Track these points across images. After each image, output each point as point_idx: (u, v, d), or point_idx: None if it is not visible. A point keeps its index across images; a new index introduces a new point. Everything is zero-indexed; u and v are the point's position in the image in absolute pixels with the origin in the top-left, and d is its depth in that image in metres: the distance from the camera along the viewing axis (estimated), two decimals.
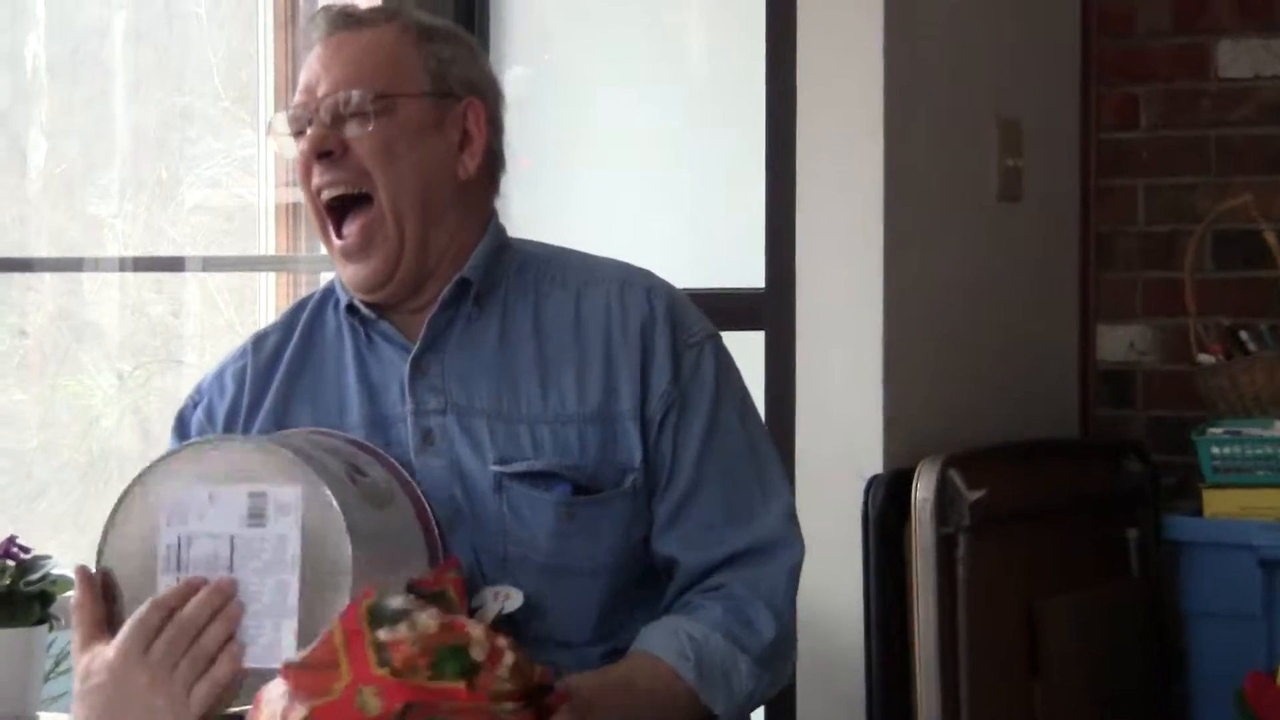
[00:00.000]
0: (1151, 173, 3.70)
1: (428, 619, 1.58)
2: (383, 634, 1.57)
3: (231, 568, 1.72)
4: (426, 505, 1.84)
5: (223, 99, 4.08)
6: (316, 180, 1.93)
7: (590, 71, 3.67)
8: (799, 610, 3.11)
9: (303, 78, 1.95)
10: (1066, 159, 3.71)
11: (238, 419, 1.98)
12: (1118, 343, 3.71)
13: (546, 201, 3.62)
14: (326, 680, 1.56)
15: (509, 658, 1.58)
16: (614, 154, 3.65)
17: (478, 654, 1.57)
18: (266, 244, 3.88)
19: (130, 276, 3.88)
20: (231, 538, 1.72)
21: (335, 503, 1.70)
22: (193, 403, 2.02)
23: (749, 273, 3.31)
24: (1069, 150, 3.71)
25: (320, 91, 1.92)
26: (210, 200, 4.07)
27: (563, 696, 1.64)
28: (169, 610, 1.72)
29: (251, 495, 1.71)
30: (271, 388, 1.99)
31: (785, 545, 1.96)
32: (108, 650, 1.73)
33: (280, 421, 1.96)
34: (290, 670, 1.58)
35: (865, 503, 3.09)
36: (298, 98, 1.95)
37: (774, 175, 3.27)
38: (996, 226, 3.49)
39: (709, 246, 3.52)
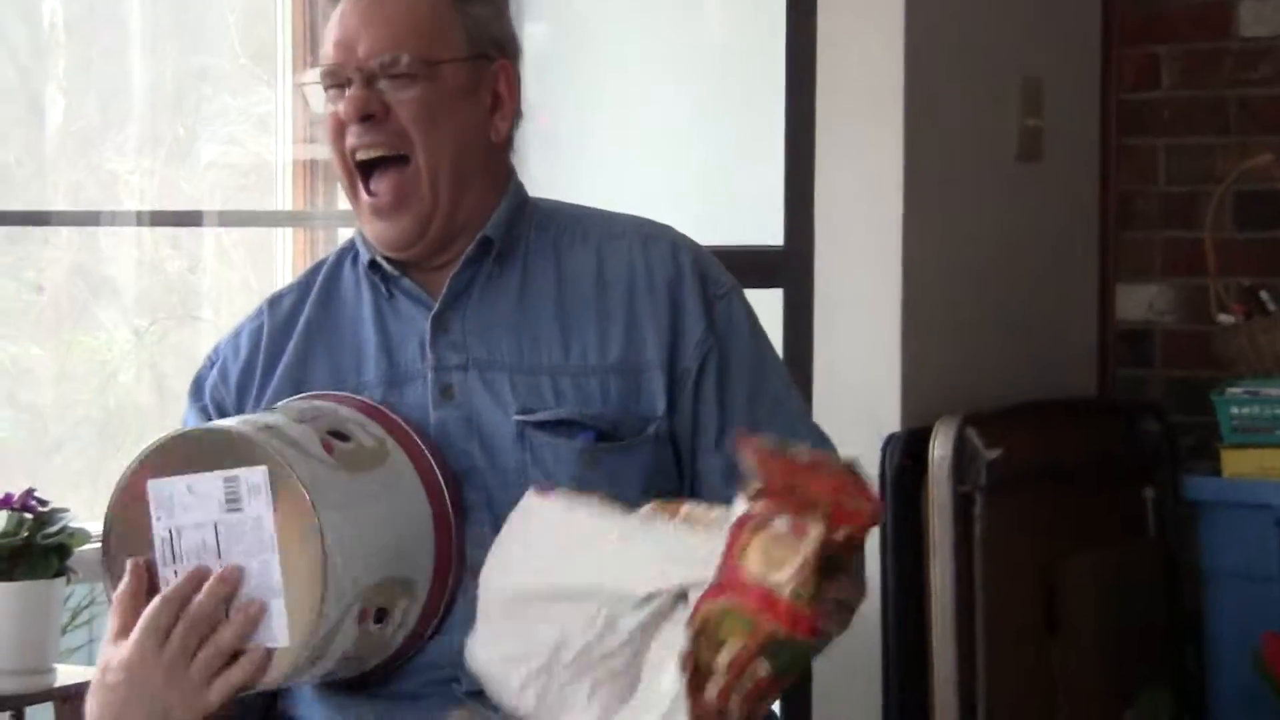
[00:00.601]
0: (1172, 132, 3.68)
1: (802, 447, 1.62)
2: (800, 456, 1.60)
3: (219, 554, 1.74)
4: (431, 459, 1.84)
5: (240, 56, 4.07)
6: (352, 140, 1.91)
7: (610, 28, 3.66)
8: None
9: (336, 31, 1.92)
10: (1087, 119, 3.69)
11: (252, 378, 1.98)
12: (1137, 302, 3.70)
13: (565, 158, 3.61)
14: (807, 498, 1.55)
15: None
16: (633, 111, 3.64)
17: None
18: (283, 201, 3.87)
19: (147, 233, 3.87)
20: (215, 524, 1.74)
21: (295, 475, 1.71)
22: (209, 363, 2.02)
23: (768, 230, 3.30)
24: (1089, 110, 3.70)
25: (361, 51, 1.90)
26: (227, 157, 4.06)
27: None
28: (179, 604, 1.73)
29: (225, 480, 1.73)
30: (289, 347, 1.98)
31: None
32: (124, 648, 1.75)
33: (298, 381, 1.96)
34: (764, 498, 1.56)
35: (882, 461, 3.09)
36: (333, 53, 1.92)
37: (793, 132, 3.26)
38: (1016, 186, 3.48)
39: (728, 204, 3.51)
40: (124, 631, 1.76)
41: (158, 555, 1.77)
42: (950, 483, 3.04)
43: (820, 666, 3.12)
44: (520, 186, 2.01)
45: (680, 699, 1.59)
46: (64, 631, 2.73)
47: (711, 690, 1.56)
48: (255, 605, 1.73)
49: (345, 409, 1.86)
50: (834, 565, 1.57)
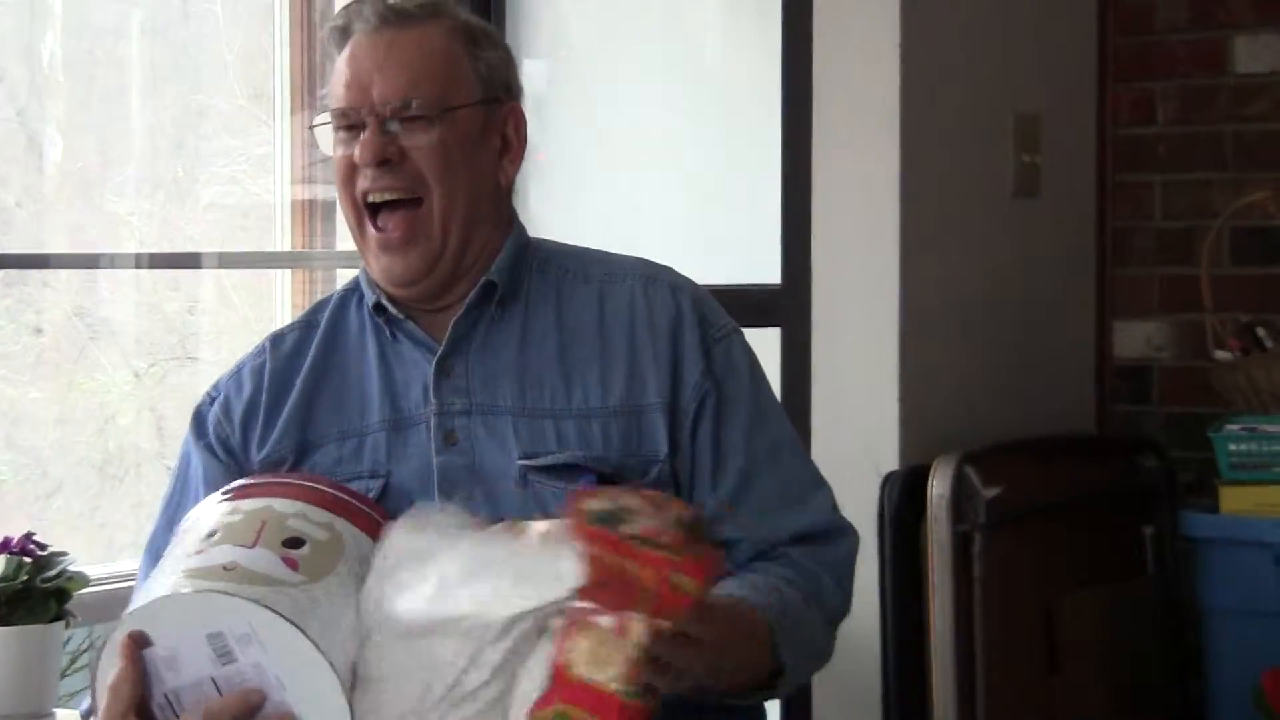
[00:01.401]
0: (1168, 168, 3.69)
1: (638, 502, 1.59)
2: (628, 530, 1.57)
3: None
4: (378, 518, 1.82)
5: (238, 97, 4.08)
6: (365, 184, 1.92)
7: (606, 67, 3.67)
8: None
9: (347, 71, 1.92)
10: (1083, 154, 3.70)
11: (256, 417, 1.98)
12: (1134, 339, 3.71)
13: (562, 196, 3.62)
14: (632, 587, 1.55)
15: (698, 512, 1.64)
16: (630, 150, 3.65)
17: (697, 520, 1.62)
18: (282, 241, 3.88)
19: (146, 274, 3.88)
20: (213, 679, 1.71)
21: (281, 615, 1.68)
22: (209, 399, 2.02)
23: (765, 269, 3.31)
24: (1086, 146, 3.71)
25: (376, 93, 1.90)
26: (226, 198, 4.07)
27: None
28: None
29: (210, 638, 1.69)
30: (294, 388, 1.99)
31: (842, 531, 1.99)
32: None
33: (303, 423, 1.96)
34: (587, 594, 1.56)
35: (881, 499, 3.09)
36: (345, 94, 1.92)
37: (790, 171, 3.27)
38: (1013, 222, 3.48)
39: (725, 242, 3.51)
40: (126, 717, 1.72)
41: (159, 718, 1.73)
42: (949, 521, 3.03)
43: (820, 704, 3.14)
44: (522, 229, 2.02)
45: None
46: (63, 675, 2.71)
47: None
48: None
49: (280, 503, 1.81)
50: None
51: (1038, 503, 3.19)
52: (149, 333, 4.00)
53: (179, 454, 2.03)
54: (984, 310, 3.40)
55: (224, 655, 1.69)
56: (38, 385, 3.80)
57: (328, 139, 1.95)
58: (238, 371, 2.03)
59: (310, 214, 3.89)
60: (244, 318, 4.08)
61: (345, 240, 3.84)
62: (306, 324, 2.04)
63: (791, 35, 3.26)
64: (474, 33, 1.97)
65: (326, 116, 1.95)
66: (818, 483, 2.00)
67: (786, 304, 3.26)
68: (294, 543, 1.75)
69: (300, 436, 1.96)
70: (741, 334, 2.02)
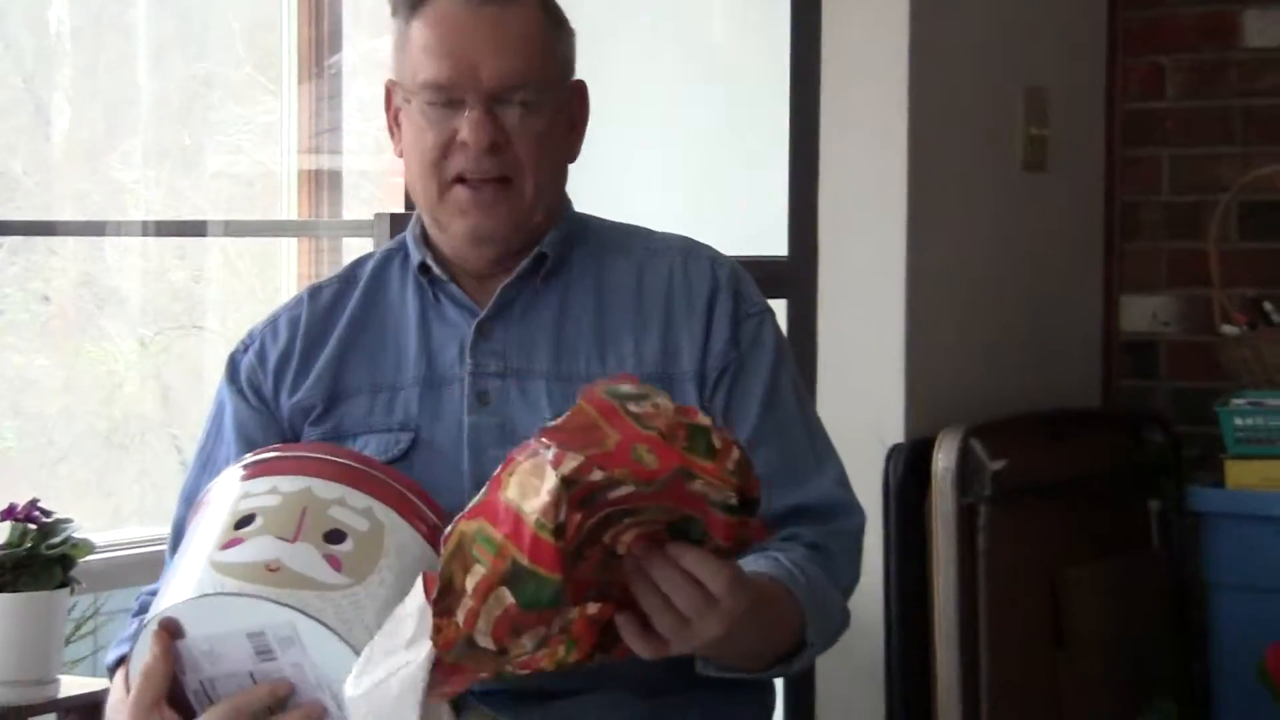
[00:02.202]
0: (1177, 142, 3.68)
1: (665, 400, 1.56)
2: (633, 406, 1.54)
3: None
4: (416, 501, 1.81)
5: (245, 66, 4.07)
6: (465, 165, 1.90)
7: (615, 42, 3.65)
8: None
9: (445, 43, 1.89)
10: (1091, 128, 3.69)
11: (289, 365, 1.99)
12: (1141, 313, 3.70)
13: (571, 170, 3.60)
14: (596, 436, 1.52)
15: (735, 453, 1.56)
16: (637, 122, 3.64)
17: (716, 440, 1.55)
18: (288, 211, 3.88)
19: (153, 243, 3.88)
20: (250, 674, 1.71)
21: (324, 622, 1.67)
22: (244, 346, 2.03)
23: (772, 241, 3.30)
24: (1094, 119, 3.70)
25: (486, 74, 1.88)
26: (232, 167, 4.07)
27: (762, 530, 1.62)
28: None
29: (251, 637, 1.69)
30: (330, 340, 1.99)
31: (849, 509, 1.97)
32: None
33: (336, 373, 1.97)
34: (549, 431, 1.53)
35: (886, 472, 3.09)
36: (445, 69, 1.89)
37: (798, 143, 3.26)
38: (1020, 196, 3.48)
39: (732, 215, 3.51)
40: (150, 706, 1.71)
41: (194, 700, 1.73)
42: (954, 494, 3.03)
43: (824, 680, 3.14)
44: (570, 203, 2.03)
45: (426, 614, 1.58)
46: (67, 642, 2.73)
47: (460, 613, 1.54)
48: None
49: (319, 485, 1.79)
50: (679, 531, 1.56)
51: (1043, 476, 3.19)
52: (155, 301, 4.01)
53: (213, 401, 2.03)
54: (990, 284, 3.39)
55: (264, 653, 1.69)
56: (44, 353, 3.81)
57: (422, 116, 1.93)
58: (273, 321, 2.03)
59: (317, 183, 3.89)
60: (250, 287, 4.08)
61: (352, 208, 3.84)
62: (346, 279, 2.05)
63: (800, 8, 3.25)
64: (554, 12, 1.97)
65: (414, 85, 1.92)
66: (827, 461, 1.98)
67: (793, 276, 3.25)
68: (336, 536, 1.73)
69: (332, 385, 1.97)
70: (774, 315, 2.03)
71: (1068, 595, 3.17)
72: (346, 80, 3.90)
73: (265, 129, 4.00)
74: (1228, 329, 3.32)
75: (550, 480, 1.49)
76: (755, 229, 3.41)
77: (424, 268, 1.99)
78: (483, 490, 1.56)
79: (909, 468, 3.08)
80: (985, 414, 3.20)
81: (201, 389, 3.92)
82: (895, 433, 3.14)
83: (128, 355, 3.98)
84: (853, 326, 3.21)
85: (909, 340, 3.18)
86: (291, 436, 1.96)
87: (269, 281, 3.96)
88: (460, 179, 1.92)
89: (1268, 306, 3.31)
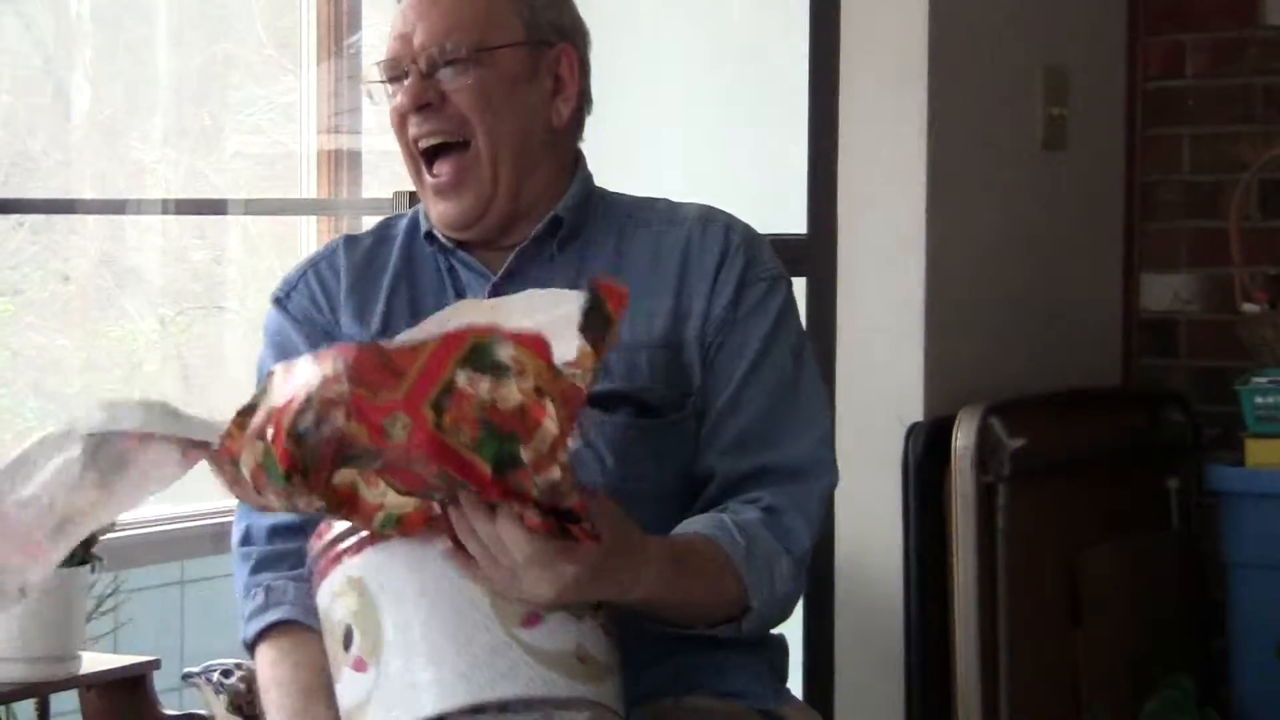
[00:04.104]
0: (1197, 121, 3.67)
1: (514, 390, 1.52)
2: (461, 379, 1.52)
3: None
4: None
5: (265, 46, 4.07)
6: (414, 130, 1.95)
7: (634, 19, 3.65)
8: (838, 558, 3.13)
9: (397, 24, 1.97)
10: (1111, 107, 3.68)
11: (344, 302, 2.01)
12: (1161, 292, 3.69)
13: (588, 146, 3.60)
14: (384, 382, 1.52)
15: (554, 474, 1.53)
16: (657, 100, 3.64)
17: (526, 455, 1.52)
18: (308, 190, 3.88)
19: (173, 222, 3.88)
20: None
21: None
22: (285, 292, 2.04)
23: (792, 219, 3.30)
24: (1114, 99, 3.69)
25: (417, 41, 1.94)
26: (251, 147, 4.07)
27: (586, 535, 1.61)
28: None
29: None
30: (378, 291, 2.01)
31: (819, 470, 1.97)
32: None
33: (385, 324, 1.98)
34: (370, 347, 1.54)
35: (905, 450, 3.09)
36: (392, 45, 1.96)
37: (817, 122, 3.26)
38: (1041, 175, 3.47)
39: (752, 193, 3.51)
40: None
41: None
42: (974, 473, 3.04)
43: (842, 657, 3.14)
44: (589, 174, 2.04)
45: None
46: (88, 619, 2.73)
47: (241, 434, 1.57)
48: None
49: None
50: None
51: (1062, 455, 3.19)
52: (175, 281, 4.01)
53: (265, 341, 2.04)
54: (1010, 262, 3.39)
55: None
56: (65, 332, 3.81)
57: (382, 93, 1.98)
58: (313, 265, 2.05)
59: (336, 163, 3.89)
60: (270, 267, 4.08)
61: (371, 188, 3.84)
62: (380, 236, 2.06)
63: None
64: None
65: (375, 72, 1.98)
66: (813, 422, 1.98)
67: (813, 254, 3.25)
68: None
69: (378, 334, 1.98)
70: (787, 282, 2.02)
71: (1086, 574, 3.17)
72: (366, 60, 3.90)
73: (285, 109, 4.00)
74: (1249, 307, 3.32)
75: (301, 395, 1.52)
76: (775, 207, 3.41)
77: (431, 237, 2.00)
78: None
79: (928, 446, 3.08)
80: (1005, 393, 3.20)
81: (222, 369, 3.93)
82: (915, 411, 3.14)
83: (148, 335, 3.98)
84: (872, 305, 3.21)
85: (928, 319, 3.18)
86: None
87: (289, 262, 3.96)
88: (420, 149, 1.94)
89: None
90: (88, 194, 3.76)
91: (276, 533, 1.96)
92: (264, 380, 1.60)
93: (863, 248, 3.22)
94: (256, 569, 1.96)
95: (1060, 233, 3.52)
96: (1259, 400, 3.18)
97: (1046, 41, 3.48)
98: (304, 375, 1.56)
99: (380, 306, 2.00)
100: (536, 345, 1.54)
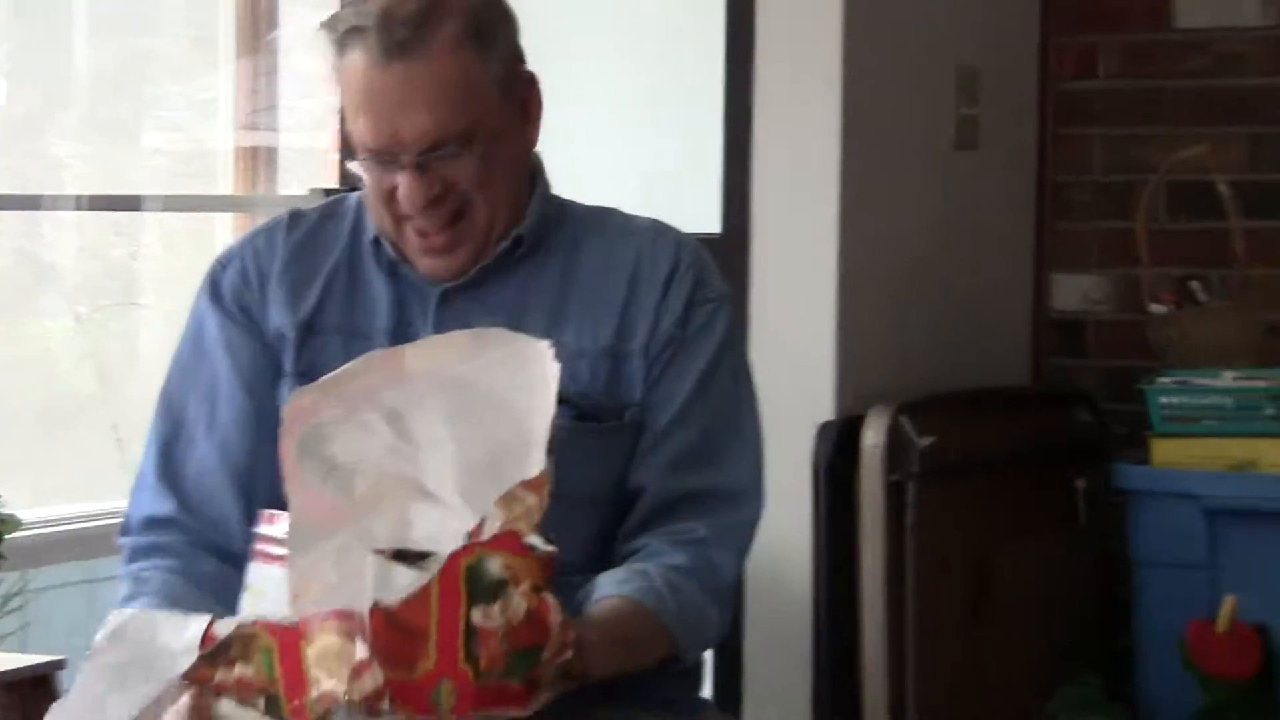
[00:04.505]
0: (1108, 122, 3.71)
1: (520, 599, 1.56)
2: (477, 616, 1.55)
3: None
4: None
5: (183, 41, 4.06)
6: (419, 222, 1.92)
7: (550, 18, 3.65)
8: (750, 556, 3.13)
9: (370, 110, 1.89)
10: (1023, 108, 3.71)
11: (274, 285, 2.00)
12: (1071, 292, 3.73)
13: None
14: (413, 652, 1.53)
15: (567, 655, 1.60)
16: (573, 100, 3.64)
17: (547, 652, 1.58)
18: (225, 187, 3.86)
19: (89, 219, 3.86)
20: None
21: None
22: (222, 265, 2.03)
23: (707, 218, 3.31)
24: (1026, 99, 3.72)
25: (407, 136, 1.89)
26: (169, 143, 4.05)
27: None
28: None
29: None
30: (315, 273, 2.01)
31: (750, 498, 2.00)
32: None
33: (317, 309, 1.99)
34: (380, 615, 1.53)
35: (815, 449, 3.11)
36: (373, 136, 1.89)
37: (732, 121, 3.28)
38: (952, 175, 3.50)
39: (665, 191, 3.51)
40: None
41: None
42: (883, 471, 3.06)
43: (751, 654, 3.16)
44: (546, 184, 2.04)
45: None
46: None
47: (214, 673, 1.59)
48: None
49: None
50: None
51: (972, 454, 3.21)
52: (92, 278, 3.99)
53: (191, 315, 2.04)
54: (922, 262, 3.41)
55: None
56: None
57: (366, 170, 1.94)
58: (252, 240, 2.04)
59: (254, 160, 3.88)
60: (188, 265, 4.06)
61: (289, 185, 3.83)
62: (326, 214, 2.05)
63: None
64: (481, 28, 1.93)
65: (357, 161, 1.93)
66: (750, 450, 2.01)
67: (725, 254, 3.25)
68: None
69: (310, 319, 1.99)
70: (730, 308, 2.05)
71: (994, 571, 3.20)
72: (285, 56, 3.89)
73: (203, 105, 3.99)
74: (1156, 308, 3.35)
75: (339, 690, 1.52)
76: (688, 206, 3.42)
77: (377, 243, 2.00)
78: (296, 609, 1.59)
79: (838, 445, 3.10)
80: (916, 391, 3.23)
81: (138, 366, 3.91)
82: (825, 410, 3.16)
83: (64, 332, 3.96)
84: (784, 304, 3.23)
85: (840, 318, 3.20)
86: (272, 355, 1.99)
87: (207, 259, 3.94)
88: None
89: (1195, 286, 3.34)
90: (3, 190, 3.74)
91: (151, 524, 1.97)
92: (241, 623, 1.60)
93: (776, 247, 3.24)
94: (130, 558, 1.97)
95: (971, 232, 3.54)
96: (1164, 400, 3.21)
97: (959, 42, 3.50)
98: (317, 660, 1.55)
99: (315, 295, 2.00)
100: (512, 544, 1.59)
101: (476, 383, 1.74)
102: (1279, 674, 3.01)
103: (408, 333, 1.97)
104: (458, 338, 1.78)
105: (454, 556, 1.56)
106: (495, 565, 1.56)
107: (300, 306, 1.99)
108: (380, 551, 1.65)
